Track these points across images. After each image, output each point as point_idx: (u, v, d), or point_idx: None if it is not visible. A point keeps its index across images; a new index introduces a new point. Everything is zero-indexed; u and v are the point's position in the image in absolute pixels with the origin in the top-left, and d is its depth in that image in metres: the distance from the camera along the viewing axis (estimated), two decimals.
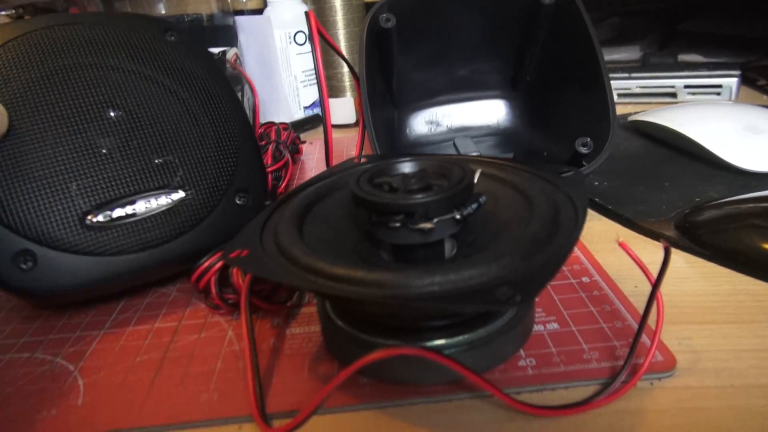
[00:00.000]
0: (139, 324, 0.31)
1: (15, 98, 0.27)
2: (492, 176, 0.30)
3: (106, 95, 0.29)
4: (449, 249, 0.27)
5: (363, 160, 0.35)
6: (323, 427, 0.23)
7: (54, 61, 0.29)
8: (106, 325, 0.31)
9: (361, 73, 0.42)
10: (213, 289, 0.30)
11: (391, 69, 0.49)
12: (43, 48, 0.29)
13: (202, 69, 0.33)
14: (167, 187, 0.29)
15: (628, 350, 0.25)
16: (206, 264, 0.30)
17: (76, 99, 0.29)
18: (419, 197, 0.24)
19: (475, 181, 0.26)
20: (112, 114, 0.29)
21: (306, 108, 0.70)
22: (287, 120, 0.67)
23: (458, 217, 0.25)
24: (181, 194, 0.29)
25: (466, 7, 0.46)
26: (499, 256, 0.21)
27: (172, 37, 0.33)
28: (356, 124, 0.69)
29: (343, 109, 0.69)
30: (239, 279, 0.30)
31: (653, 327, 0.26)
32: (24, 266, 0.25)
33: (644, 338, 0.26)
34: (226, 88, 0.34)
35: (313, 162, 0.58)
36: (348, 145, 0.63)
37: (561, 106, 0.46)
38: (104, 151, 0.28)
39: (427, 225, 0.24)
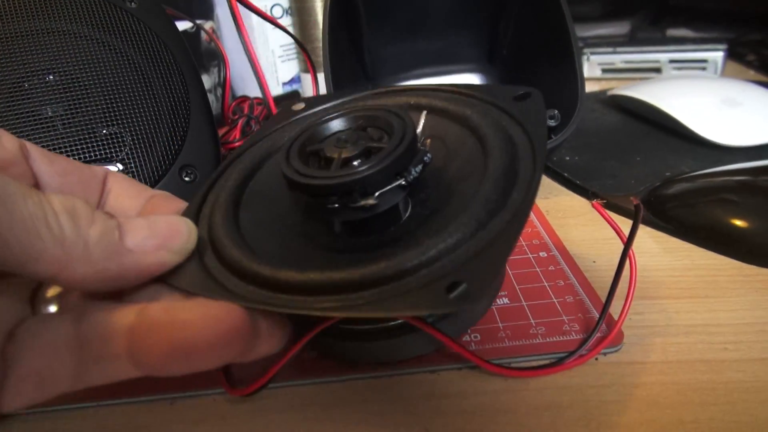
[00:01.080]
0: None
1: None
2: (439, 111, 0.26)
3: (51, 60, 0.28)
4: (404, 210, 0.24)
5: (301, 106, 0.29)
6: (272, 400, 0.23)
7: (3, 28, 0.28)
8: None
9: (324, 46, 0.41)
10: None
11: (362, 42, 0.48)
12: None
13: (160, 36, 0.32)
14: (108, 160, 0.28)
15: (577, 325, 0.25)
16: None
17: (19, 65, 0.28)
18: (355, 172, 0.20)
19: (420, 129, 0.24)
20: (50, 77, 0.28)
21: (285, 84, 0.69)
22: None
23: (403, 183, 0.21)
24: (118, 167, 0.28)
25: None
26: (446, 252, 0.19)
27: (133, 3, 0.32)
28: None
29: (324, 85, 0.67)
30: None
31: (603, 302, 0.25)
32: None
33: (594, 314, 0.26)
34: (185, 57, 0.33)
35: None
36: None
37: (534, 80, 0.45)
38: (46, 119, 0.27)
39: (369, 201, 0.21)
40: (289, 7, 0.66)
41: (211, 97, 0.62)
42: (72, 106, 0.27)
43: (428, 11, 0.48)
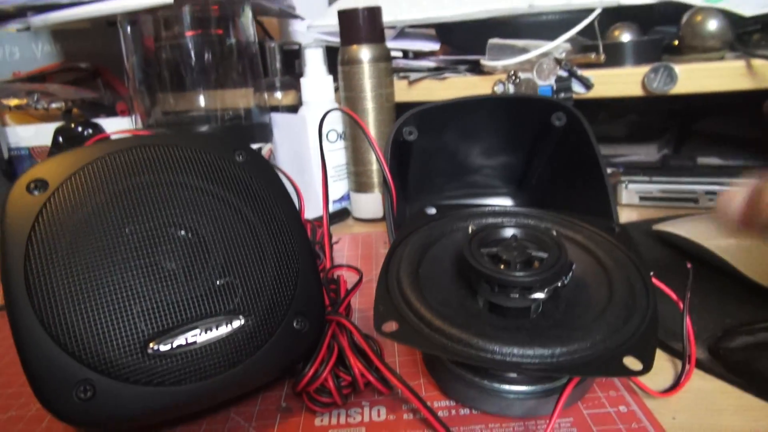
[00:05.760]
0: None
1: (87, 220, 0.29)
2: (561, 234, 0.36)
3: (176, 214, 0.31)
4: (535, 307, 0.32)
5: (433, 211, 0.40)
6: None
7: (127, 181, 0.31)
8: None
9: (387, 183, 0.43)
10: (332, 384, 0.32)
11: (408, 171, 0.51)
12: (118, 169, 0.31)
13: (267, 188, 0.35)
14: (226, 312, 0.30)
15: None
16: (312, 372, 0.32)
17: (146, 218, 0.30)
18: (536, 273, 0.30)
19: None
20: (181, 233, 0.30)
21: (335, 202, 0.73)
22: (317, 213, 0.69)
23: (560, 285, 0.31)
24: (240, 321, 0.30)
25: (484, 122, 0.49)
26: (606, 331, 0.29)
27: (241, 157, 0.35)
28: (383, 218, 0.71)
29: (372, 204, 0.71)
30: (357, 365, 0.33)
31: None
32: (83, 396, 0.26)
33: None
34: (289, 206, 0.35)
35: (342, 259, 0.59)
36: (376, 239, 0.64)
37: (562, 208, 0.48)
38: (169, 272, 0.29)
39: (541, 295, 0.30)
40: (343, 132, 0.71)
41: None
42: (195, 260, 0.30)
43: (469, 149, 0.52)
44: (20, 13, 0.59)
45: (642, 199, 0.70)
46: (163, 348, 0.27)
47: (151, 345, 0.27)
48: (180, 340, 0.28)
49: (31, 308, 0.26)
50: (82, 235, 0.28)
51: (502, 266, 0.31)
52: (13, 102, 0.72)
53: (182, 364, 0.27)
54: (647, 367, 0.26)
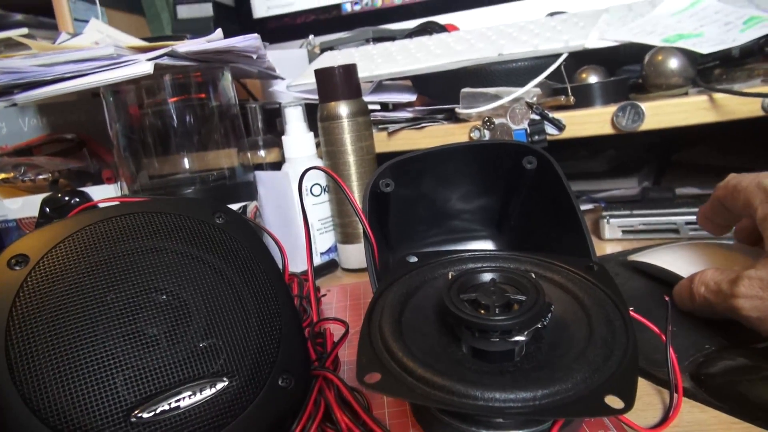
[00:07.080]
0: None
1: (68, 290, 0.30)
2: (540, 276, 0.37)
3: (157, 279, 0.32)
4: (518, 350, 0.32)
5: (414, 259, 0.41)
6: None
7: (107, 250, 0.32)
8: None
9: (367, 236, 0.44)
10: None
11: (388, 221, 0.52)
12: (98, 239, 0.32)
13: (247, 248, 0.36)
14: (210, 374, 0.30)
15: None
16: (299, 429, 0.32)
17: (127, 285, 0.31)
18: (515, 316, 0.30)
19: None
20: (163, 298, 0.31)
21: (322, 254, 0.73)
22: (305, 267, 0.70)
23: (540, 326, 0.31)
24: (224, 382, 0.30)
25: (459, 169, 0.50)
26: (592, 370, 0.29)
27: (220, 219, 0.36)
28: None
29: (359, 255, 0.71)
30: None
31: None
32: None
33: None
34: (271, 264, 0.36)
35: (331, 311, 0.59)
36: (365, 288, 0.65)
37: (546, 246, 0.48)
38: (152, 338, 0.30)
39: (521, 337, 0.31)
40: (327, 186, 0.72)
41: None
42: (177, 324, 0.30)
43: (447, 196, 0.53)
44: (6, 91, 0.61)
45: (624, 232, 0.72)
46: (146, 415, 0.27)
47: (135, 413, 0.27)
48: (163, 406, 0.28)
49: (12, 383, 0.26)
50: (64, 306, 0.29)
51: (481, 311, 0.32)
52: (0, 176, 0.73)
53: (166, 430, 0.27)
54: (629, 405, 0.26)
